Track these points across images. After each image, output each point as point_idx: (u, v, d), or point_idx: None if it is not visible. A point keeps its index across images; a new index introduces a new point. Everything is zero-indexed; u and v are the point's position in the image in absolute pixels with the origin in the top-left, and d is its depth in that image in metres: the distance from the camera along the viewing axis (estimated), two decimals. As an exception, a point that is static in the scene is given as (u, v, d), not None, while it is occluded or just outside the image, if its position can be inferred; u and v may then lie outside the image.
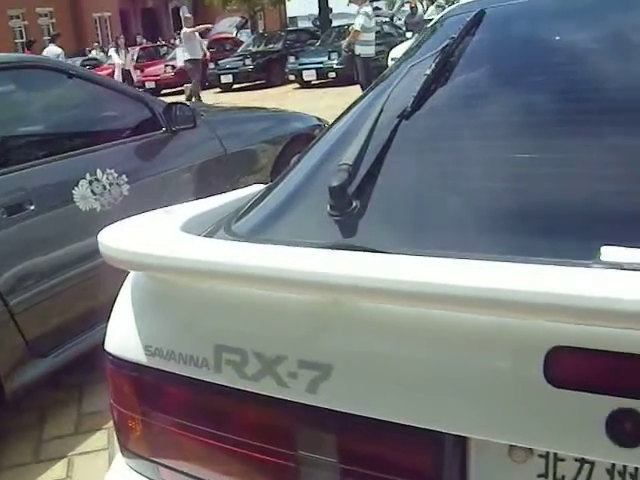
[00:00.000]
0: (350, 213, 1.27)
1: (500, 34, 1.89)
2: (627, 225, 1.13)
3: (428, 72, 1.56)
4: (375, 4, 26.70)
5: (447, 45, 1.67)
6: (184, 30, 16.45)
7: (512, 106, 1.53)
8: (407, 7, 24.31)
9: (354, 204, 1.28)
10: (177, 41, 28.93)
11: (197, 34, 16.55)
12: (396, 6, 25.20)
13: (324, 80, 17.79)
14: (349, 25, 15.49)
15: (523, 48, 1.80)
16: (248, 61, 20.84)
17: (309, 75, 18.48)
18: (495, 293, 0.90)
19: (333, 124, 1.73)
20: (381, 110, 1.50)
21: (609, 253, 1.02)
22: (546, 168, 1.32)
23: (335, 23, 27.01)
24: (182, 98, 18.81)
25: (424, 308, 0.99)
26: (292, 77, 19.37)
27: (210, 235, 1.38)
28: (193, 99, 16.17)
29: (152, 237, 1.29)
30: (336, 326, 1.09)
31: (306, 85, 18.60)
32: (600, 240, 1.07)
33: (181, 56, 22.26)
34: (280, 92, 18.49)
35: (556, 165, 1.32)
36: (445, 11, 2.29)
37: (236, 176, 4.31)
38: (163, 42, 33.36)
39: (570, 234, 1.16)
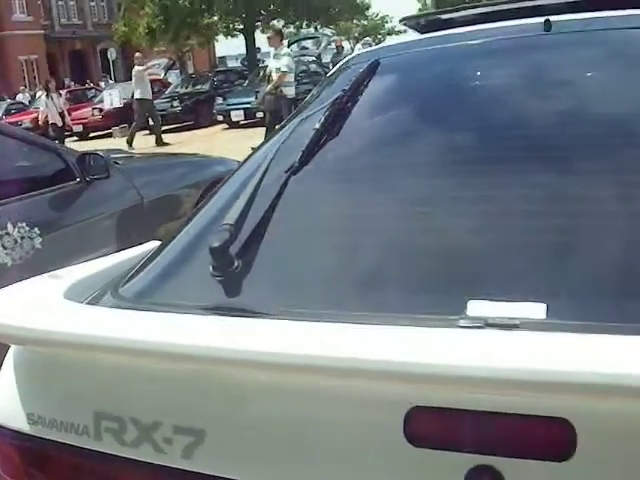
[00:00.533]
0: (232, 274, 1.29)
1: (392, 84, 1.96)
2: (496, 279, 1.18)
3: (317, 126, 1.60)
4: (303, 43, 27.06)
5: (338, 98, 1.71)
6: (136, 68, 16.35)
7: (392, 160, 1.57)
8: (333, 46, 24.67)
9: (236, 264, 1.30)
10: (103, 84, 28.83)
11: (147, 72, 16.52)
12: (322, 45, 25.46)
13: (252, 120, 17.83)
14: (265, 67, 15.46)
15: (414, 97, 1.86)
16: (176, 103, 20.80)
17: (237, 115, 18.52)
18: (344, 362, 0.94)
19: (226, 181, 1.76)
20: (268, 167, 1.53)
21: (475, 308, 1.06)
22: (415, 222, 1.37)
23: (266, 62, 27.17)
24: (111, 141, 18.69)
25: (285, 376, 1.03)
26: (220, 118, 19.38)
27: (95, 301, 1.38)
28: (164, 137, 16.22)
29: (32, 307, 1.29)
30: (208, 392, 1.11)
31: (235, 125, 18.61)
32: (468, 294, 1.11)
33: (108, 99, 22.24)
34: (209, 133, 18.49)
35: (425, 219, 1.37)
36: (343, 61, 2.35)
37: (155, 224, 4.29)
38: (91, 85, 33.14)
39: (438, 289, 1.20)
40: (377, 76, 1.86)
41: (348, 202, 1.48)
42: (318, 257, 1.36)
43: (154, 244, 1.72)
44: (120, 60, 41.58)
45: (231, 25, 32.03)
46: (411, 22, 2.65)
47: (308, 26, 34.71)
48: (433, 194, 1.42)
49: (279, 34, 12.81)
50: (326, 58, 24.07)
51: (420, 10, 37.78)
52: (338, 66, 2.28)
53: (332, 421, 1.03)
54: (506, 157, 1.46)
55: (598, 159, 1.38)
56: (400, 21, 2.76)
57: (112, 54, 37.25)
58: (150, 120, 17.08)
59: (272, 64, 12.45)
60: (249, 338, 1.03)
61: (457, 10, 2.45)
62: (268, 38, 12.84)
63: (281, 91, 12.07)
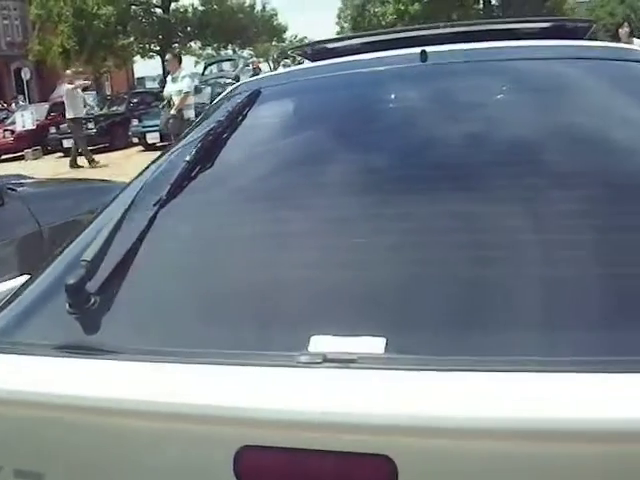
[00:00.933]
0: (86, 312, 1.27)
1: (271, 111, 1.98)
2: (340, 314, 1.19)
3: (188, 158, 1.59)
4: (220, 65, 27.12)
5: (213, 128, 1.72)
6: (66, 87, 15.94)
7: (250, 194, 1.58)
8: (251, 67, 24.77)
9: (91, 302, 1.28)
10: (13, 105, 28.16)
11: (79, 90, 16.16)
12: (239, 67, 25.55)
13: (168, 142, 17.66)
14: (161, 90, 15.19)
15: (292, 124, 1.88)
16: (91, 125, 20.35)
17: (153, 138, 18.26)
18: (173, 408, 0.95)
19: (97, 214, 1.74)
20: (133, 200, 1.52)
21: (317, 343, 1.08)
22: (264, 258, 1.38)
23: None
24: (22, 164, 18.23)
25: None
26: (136, 140, 19.16)
27: None
28: (78, 160, 15.76)
29: None
30: (47, 435, 1.09)
31: (150, 147, 18.31)
32: (312, 330, 1.12)
33: (20, 121, 21.71)
34: (124, 155, 18.21)
35: (272, 255, 1.38)
36: (229, 89, 2.36)
37: (55, 251, 4.19)
38: (5, 105, 32.33)
39: (283, 324, 1.21)
40: (257, 104, 1.89)
41: (203, 239, 1.48)
42: (169, 294, 1.36)
43: (23, 279, 1.69)
44: (34, 80, 40.75)
45: (147, 46, 31.84)
46: (299, 51, 2.69)
47: (225, 48, 34.76)
48: (282, 230, 1.43)
49: (177, 57, 12.77)
50: (244, 80, 24.14)
51: (338, 33, 38.22)
52: (224, 94, 2.29)
53: (164, 459, 1.03)
54: (352, 191, 1.49)
55: (444, 194, 1.42)
56: (288, 50, 2.81)
57: (26, 74, 36.42)
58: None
59: (170, 88, 12.30)
60: (83, 382, 1.03)
61: (342, 40, 2.50)
62: (166, 61, 12.77)
63: (182, 114, 11.87)
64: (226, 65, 28.26)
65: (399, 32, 2.47)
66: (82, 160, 16.52)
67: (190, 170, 1.57)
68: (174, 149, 1.86)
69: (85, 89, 18.12)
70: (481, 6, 34.14)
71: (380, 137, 1.67)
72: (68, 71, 17.44)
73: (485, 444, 0.88)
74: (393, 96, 1.89)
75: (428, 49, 1.89)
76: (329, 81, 2.02)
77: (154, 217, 1.48)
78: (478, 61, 1.92)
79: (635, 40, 10.44)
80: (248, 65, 25.89)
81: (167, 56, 13.32)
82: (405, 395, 0.91)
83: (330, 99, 1.95)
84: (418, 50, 1.89)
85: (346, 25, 41.31)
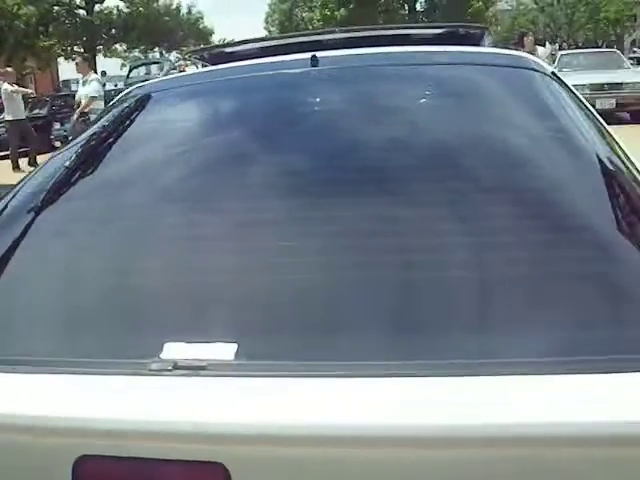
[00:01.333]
0: None
1: (162, 114, 1.97)
2: (195, 320, 1.18)
3: (68, 164, 1.57)
4: (147, 68, 26.84)
5: (96, 133, 1.70)
6: (5, 87, 15.39)
7: (138, 198, 1.55)
8: (178, 70, 24.58)
9: None
10: None
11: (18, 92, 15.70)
12: (165, 70, 25.30)
13: (91, 146, 17.33)
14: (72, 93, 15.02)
15: (182, 127, 1.88)
16: (13, 128, 19.91)
17: (75, 141, 17.98)
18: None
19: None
20: (7, 205, 1.49)
21: (169, 350, 1.07)
22: (125, 264, 1.37)
23: (108, 87, 26.63)
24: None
25: None
26: (58, 144, 18.79)
27: None
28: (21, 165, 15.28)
29: None
30: None
31: (74, 151, 18.01)
32: (167, 336, 1.11)
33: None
34: (46, 160, 17.79)
35: (133, 261, 1.37)
36: (125, 91, 2.34)
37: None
38: None
39: (140, 331, 1.20)
40: (147, 107, 1.90)
41: (62, 247, 1.47)
42: (24, 301, 1.34)
43: None
44: (14, 74, 39.59)
45: (69, 48, 31.20)
46: (198, 55, 2.70)
47: (152, 50, 34.39)
48: (141, 237, 1.42)
49: (87, 61, 12.81)
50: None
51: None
52: (119, 97, 2.27)
53: (4, 471, 1.01)
54: (215, 196, 1.48)
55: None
56: (186, 53, 2.81)
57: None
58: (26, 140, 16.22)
59: (81, 91, 12.30)
60: None
61: (240, 44, 2.52)
62: (76, 64, 12.78)
63: (89, 118, 11.58)
64: (154, 68, 28.00)
65: (296, 37, 2.49)
66: (3, 164, 16.10)
67: (69, 175, 1.55)
68: (56, 154, 1.83)
69: (25, 95, 17.55)
70: (406, 11, 34.56)
71: (260, 140, 1.68)
72: (9, 68, 16.95)
73: (324, 452, 0.87)
74: (280, 99, 1.91)
75: (319, 54, 1.91)
76: (221, 85, 2.04)
77: (23, 226, 1.45)
78: (367, 66, 1.96)
79: (539, 48, 10.70)
80: (175, 68, 25.65)
81: (77, 59, 13.15)
82: (245, 403, 0.90)
83: (218, 102, 1.96)
84: (309, 55, 1.91)
85: (273, 29, 41.35)
